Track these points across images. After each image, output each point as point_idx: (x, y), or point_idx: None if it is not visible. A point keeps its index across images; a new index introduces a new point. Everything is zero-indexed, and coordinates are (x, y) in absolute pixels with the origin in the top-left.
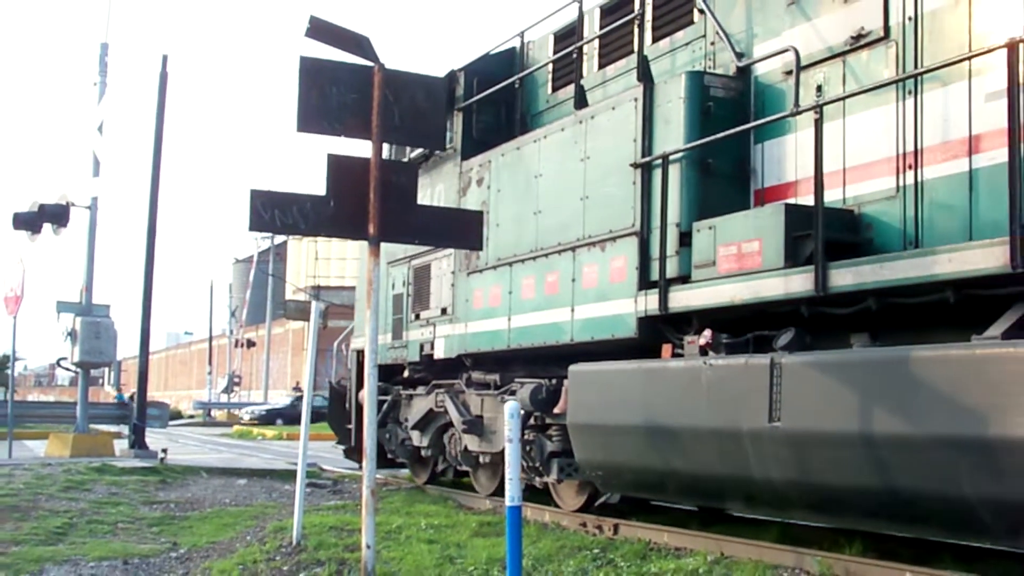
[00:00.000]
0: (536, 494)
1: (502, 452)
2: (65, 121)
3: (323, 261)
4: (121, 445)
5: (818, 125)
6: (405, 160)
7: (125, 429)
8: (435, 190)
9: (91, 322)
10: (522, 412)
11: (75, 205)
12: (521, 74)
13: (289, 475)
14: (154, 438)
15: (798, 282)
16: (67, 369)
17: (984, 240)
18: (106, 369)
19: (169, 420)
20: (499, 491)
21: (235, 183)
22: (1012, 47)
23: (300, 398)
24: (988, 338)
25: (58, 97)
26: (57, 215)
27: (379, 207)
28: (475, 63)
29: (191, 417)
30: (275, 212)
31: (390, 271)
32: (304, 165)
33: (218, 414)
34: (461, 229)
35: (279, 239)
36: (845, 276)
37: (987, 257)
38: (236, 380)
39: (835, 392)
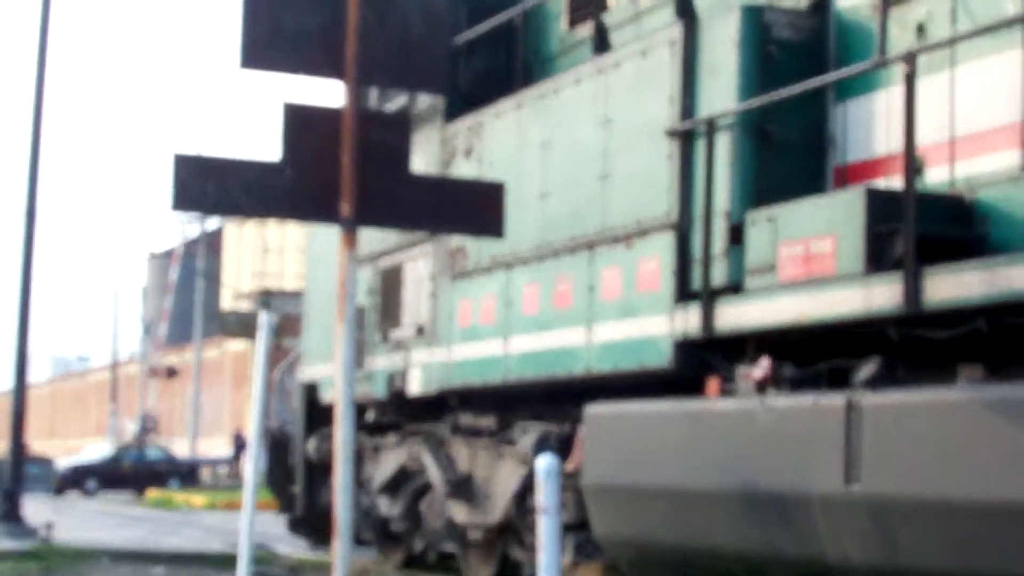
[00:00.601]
0: None
1: (500, 526)
2: None
3: (274, 254)
4: None
5: (909, 82)
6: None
7: None
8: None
9: None
10: (525, 469)
11: None
12: (527, 1)
13: (227, 561)
14: (35, 508)
15: (882, 294)
16: None
17: None
18: None
19: (59, 482)
20: None
21: (151, 148)
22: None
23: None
24: None
25: None
26: None
27: (356, 177)
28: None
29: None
30: (208, 185)
31: None
32: (255, 125)
33: None
34: (474, 207)
35: (212, 223)
36: (944, 287)
37: None
38: (150, 424)
39: (934, 443)
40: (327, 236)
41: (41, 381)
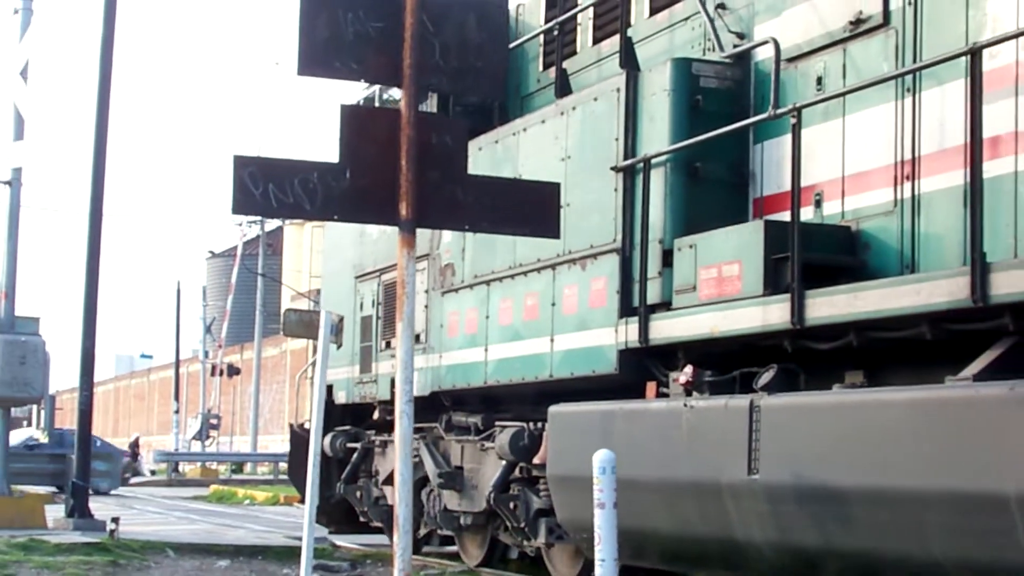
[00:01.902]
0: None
1: (486, 512)
2: None
3: None
4: (56, 512)
5: (795, 131)
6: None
7: (61, 490)
8: None
9: (13, 342)
10: (504, 462)
11: None
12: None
13: (290, 554)
14: (101, 503)
15: (775, 312)
16: None
17: (950, 269)
18: (34, 407)
19: (125, 477)
20: (489, 560)
21: (212, 151)
22: (974, 52)
23: None
24: (961, 379)
25: None
26: None
27: (415, 179)
28: None
29: (152, 473)
30: (269, 187)
31: (358, 288)
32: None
33: (188, 469)
34: (531, 209)
35: (272, 224)
36: (822, 307)
37: (953, 288)
38: (213, 422)
39: (813, 439)
40: (339, 244)
41: (106, 378)
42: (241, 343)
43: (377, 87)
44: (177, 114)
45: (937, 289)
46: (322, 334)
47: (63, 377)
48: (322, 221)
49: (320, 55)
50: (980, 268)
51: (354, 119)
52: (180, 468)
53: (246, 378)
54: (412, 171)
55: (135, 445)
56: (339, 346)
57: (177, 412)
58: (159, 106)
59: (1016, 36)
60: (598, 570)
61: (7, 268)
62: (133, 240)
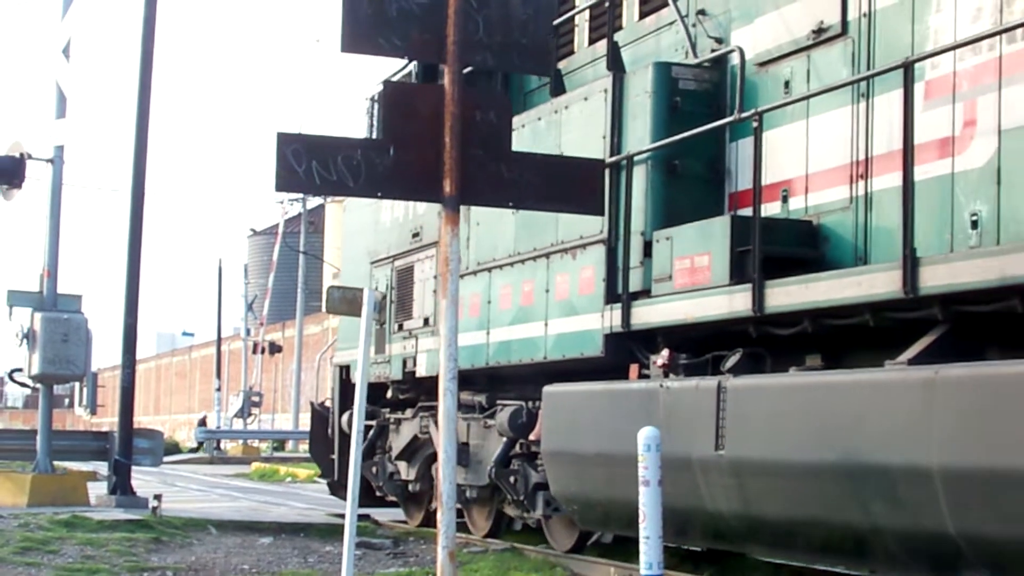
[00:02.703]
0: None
1: (490, 486)
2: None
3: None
4: (98, 489)
5: (757, 134)
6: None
7: (104, 467)
8: None
9: (56, 320)
10: (505, 439)
11: (32, 157)
12: None
13: (332, 532)
14: (143, 480)
15: (739, 301)
16: (22, 384)
17: (887, 263)
18: (76, 384)
19: (164, 455)
20: (495, 531)
21: (254, 129)
22: (907, 66)
23: None
24: (897, 363)
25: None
26: (7, 171)
27: (458, 156)
28: None
29: (192, 451)
30: (312, 164)
31: (373, 273)
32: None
33: (230, 447)
34: (574, 186)
35: (313, 202)
36: (779, 296)
37: (888, 281)
38: (255, 399)
39: (771, 418)
40: (356, 231)
41: (147, 356)
42: (283, 321)
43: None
44: (219, 91)
45: (876, 281)
46: (365, 311)
47: (105, 355)
48: (367, 198)
49: (363, 32)
50: (911, 263)
51: (398, 96)
52: (221, 445)
53: (288, 356)
54: (456, 148)
55: (203, 422)
56: (381, 324)
57: (219, 390)
58: (201, 83)
59: (948, 50)
60: (643, 547)
61: (49, 246)
62: (175, 218)
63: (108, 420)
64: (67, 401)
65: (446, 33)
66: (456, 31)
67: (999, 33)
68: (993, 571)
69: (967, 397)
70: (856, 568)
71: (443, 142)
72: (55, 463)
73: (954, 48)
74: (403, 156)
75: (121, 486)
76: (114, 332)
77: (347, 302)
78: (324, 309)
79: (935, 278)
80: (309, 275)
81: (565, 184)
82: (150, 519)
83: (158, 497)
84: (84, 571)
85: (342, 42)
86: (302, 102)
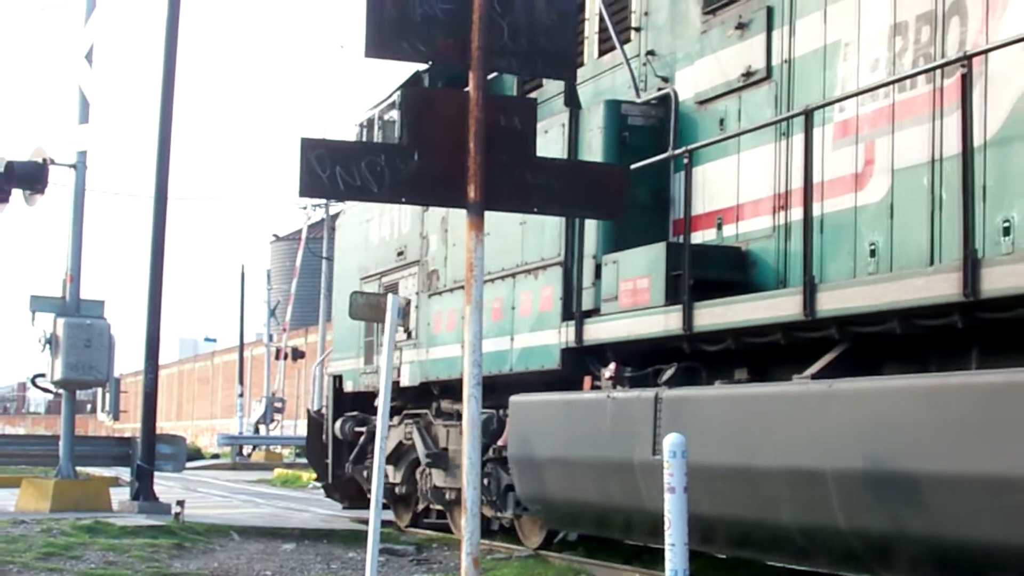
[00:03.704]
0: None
1: None
2: (40, 47)
3: None
4: (121, 495)
5: (687, 170)
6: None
7: (126, 473)
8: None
9: (79, 325)
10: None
11: (55, 163)
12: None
13: (355, 538)
14: (165, 486)
15: (672, 320)
16: (44, 390)
17: (792, 288)
18: (99, 390)
19: (186, 461)
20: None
21: (277, 134)
22: (808, 113)
23: None
24: (802, 378)
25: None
26: (30, 177)
27: (483, 161)
28: (435, 68)
29: (215, 457)
30: (336, 170)
31: (363, 288)
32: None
33: (253, 453)
34: (598, 192)
35: (336, 207)
36: (706, 316)
37: (792, 305)
38: (278, 405)
39: (698, 425)
40: (348, 248)
41: (170, 362)
42: (305, 326)
43: (378, 108)
44: (243, 97)
45: (782, 304)
46: (389, 317)
47: (128, 360)
48: (391, 203)
49: (387, 37)
50: (810, 289)
51: (421, 101)
52: (244, 451)
53: (310, 361)
54: (480, 153)
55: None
56: (406, 330)
57: (241, 396)
58: (224, 89)
59: (844, 99)
60: (668, 553)
61: (72, 251)
62: (198, 224)
63: (130, 426)
64: (89, 407)
65: (471, 38)
66: (481, 36)
67: (882, 86)
68: (877, 564)
69: (853, 408)
70: (770, 558)
71: (467, 147)
72: (78, 469)
73: (846, 98)
74: (427, 161)
75: (143, 492)
76: (137, 338)
77: (371, 307)
78: (348, 315)
79: (830, 302)
80: (332, 281)
81: (589, 189)
82: (172, 525)
83: (181, 503)
84: None
85: (366, 47)
86: (326, 108)
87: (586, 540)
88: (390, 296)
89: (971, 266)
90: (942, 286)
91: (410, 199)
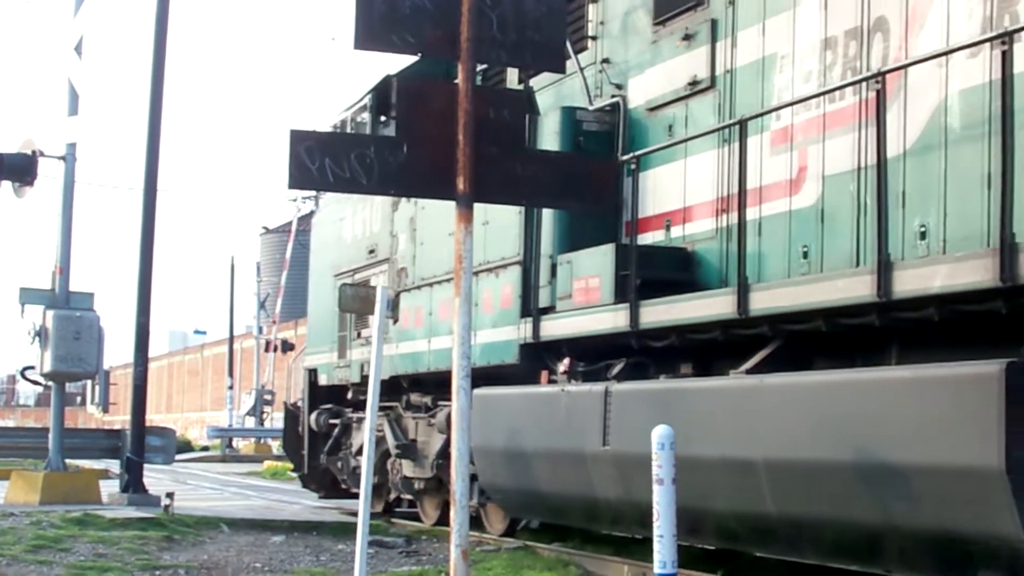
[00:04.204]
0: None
1: (435, 478)
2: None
3: None
4: (110, 487)
5: (634, 175)
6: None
7: (116, 465)
8: (372, 202)
9: (68, 317)
10: (444, 436)
11: (45, 155)
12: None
13: (344, 530)
14: (155, 478)
15: (621, 318)
16: (34, 382)
17: (727, 288)
18: (88, 382)
19: (176, 453)
20: (443, 520)
21: (266, 126)
22: (742, 123)
23: None
24: (738, 373)
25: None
26: (20, 169)
27: (472, 153)
28: (412, 67)
29: (204, 449)
30: (326, 162)
31: (337, 285)
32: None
33: (243, 445)
34: (586, 184)
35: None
36: (650, 314)
37: (726, 304)
38: (267, 398)
39: (643, 417)
40: (322, 246)
41: (159, 354)
42: (295, 319)
43: (351, 111)
44: (232, 89)
45: (718, 304)
46: (378, 309)
47: (117, 352)
48: (380, 196)
49: (377, 29)
50: (742, 289)
51: (410, 93)
52: (234, 444)
53: (300, 354)
54: (469, 146)
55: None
56: (395, 321)
57: (231, 388)
58: (213, 81)
59: (774, 110)
60: (656, 545)
61: (62, 243)
62: (187, 216)
63: (120, 418)
64: (79, 399)
65: (460, 30)
66: (470, 28)
67: (808, 99)
68: (803, 546)
69: (780, 401)
70: (707, 543)
71: (457, 139)
72: (67, 461)
73: (776, 109)
74: (416, 153)
75: (133, 484)
76: (126, 330)
77: (360, 300)
78: (337, 307)
79: (761, 302)
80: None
81: (578, 181)
82: (162, 517)
83: (170, 495)
84: (96, 569)
85: (355, 39)
86: (317, 100)
87: (580, 531)
88: (379, 288)
89: (884, 269)
90: (859, 288)
91: (399, 191)
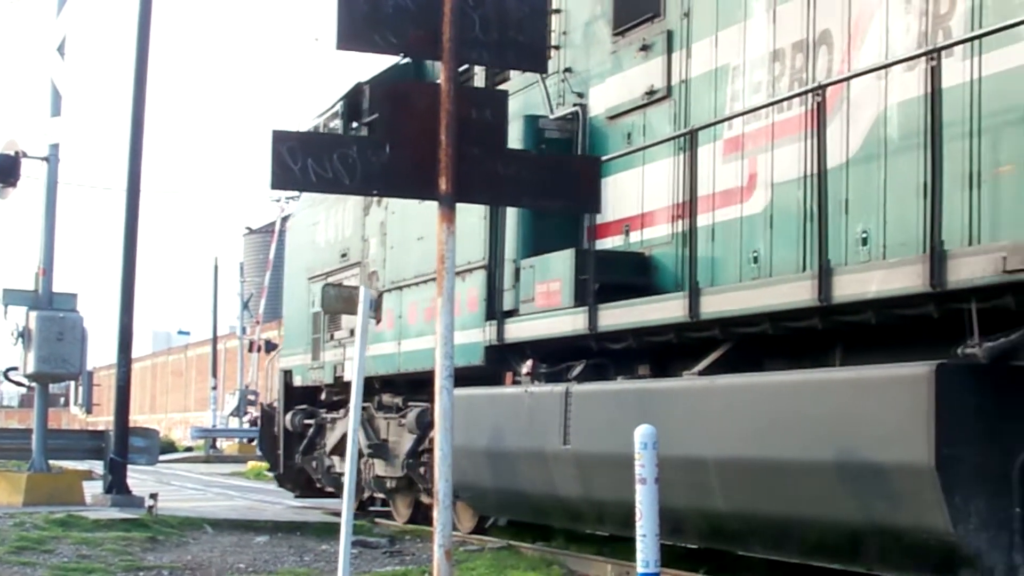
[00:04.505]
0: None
1: (406, 477)
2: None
3: None
4: (94, 488)
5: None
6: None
7: (99, 466)
8: (345, 207)
9: (51, 318)
10: (414, 436)
11: (27, 156)
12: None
13: (328, 530)
14: (139, 479)
15: (581, 321)
16: (17, 383)
17: (678, 292)
18: (71, 383)
19: (159, 454)
20: (415, 518)
21: (249, 126)
22: (692, 133)
23: None
24: (691, 374)
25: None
26: (2, 169)
27: (454, 153)
28: (382, 74)
29: (188, 450)
30: (308, 162)
31: (311, 288)
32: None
33: (226, 446)
34: (570, 183)
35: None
36: (608, 317)
37: (678, 307)
38: (251, 398)
39: (600, 417)
40: (296, 250)
41: (143, 355)
42: (278, 319)
43: (323, 118)
44: (215, 89)
45: (672, 307)
46: (361, 310)
47: (100, 353)
48: (363, 196)
49: (359, 29)
50: (693, 292)
51: (393, 94)
52: (218, 444)
53: None
54: (452, 146)
55: None
56: (378, 322)
57: (215, 388)
58: (196, 81)
59: (724, 120)
60: (639, 544)
61: (45, 244)
62: (170, 216)
63: (104, 419)
64: (63, 400)
65: (442, 30)
66: (452, 28)
67: (754, 110)
68: (751, 541)
69: (728, 401)
70: (672, 541)
71: (439, 140)
72: (51, 462)
73: (724, 120)
74: (399, 154)
75: (117, 485)
76: (110, 331)
77: (343, 300)
78: (320, 307)
79: (711, 306)
80: None
81: (561, 181)
82: (146, 518)
83: (154, 496)
84: (80, 570)
85: (337, 39)
86: (299, 100)
87: (564, 531)
88: (362, 288)
89: (824, 275)
90: (802, 292)
91: (382, 191)
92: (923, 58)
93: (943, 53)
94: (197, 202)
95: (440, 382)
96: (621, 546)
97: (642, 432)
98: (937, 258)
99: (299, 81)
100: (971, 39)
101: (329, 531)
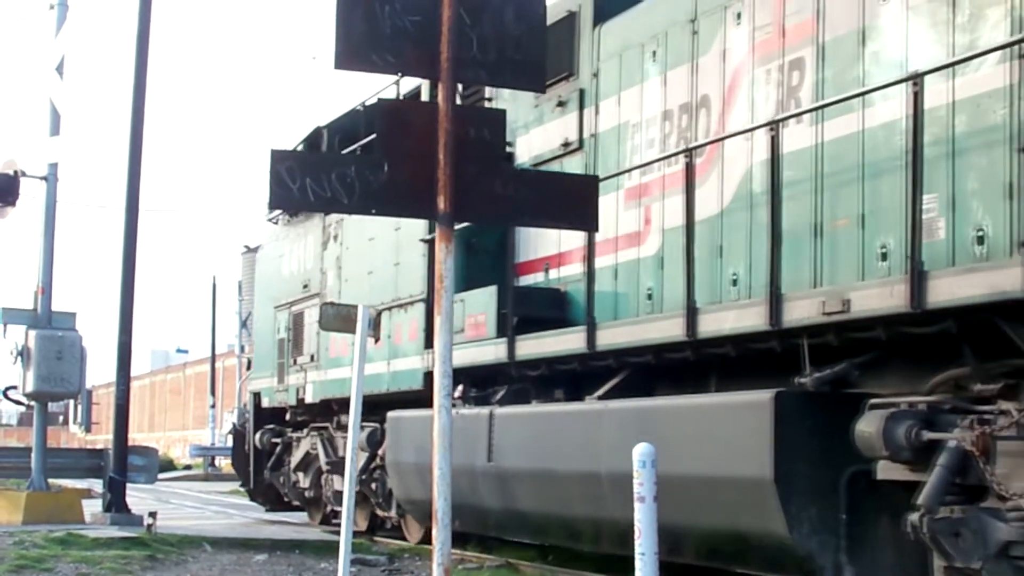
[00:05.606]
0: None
1: (361, 492)
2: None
3: None
4: (93, 507)
5: (510, 226)
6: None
7: (98, 485)
8: (306, 242)
9: (50, 337)
10: (366, 453)
11: (27, 175)
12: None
13: (327, 548)
14: (138, 497)
15: (501, 350)
16: (16, 402)
17: (580, 326)
18: (71, 402)
19: (158, 472)
20: (372, 527)
21: (247, 146)
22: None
23: None
24: (592, 398)
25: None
26: (2, 189)
27: (452, 172)
28: (340, 119)
29: (187, 468)
30: (307, 181)
31: (276, 316)
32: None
33: (225, 463)
34: (569, 202)
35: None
36: (524, 347)
37: (578, 340)
38: (248, 416)
39: (517, 437)
40: (263, 279)
41: (141, 373)
42: None
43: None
44: (213, 109)
45: (574, 340)
46: (359, 328)
47: (100, 372)
48: (362, 215)
49: (357, 49)
50: (591, 327)
51: (391, 113)
52: (216, 462)
53: None
54: (450, 165)
55: None
56: (376, 340)
57: (213, 406)
58: (195, 101)
59: (622, 173)
60: (638, 563)
61: (44, 263)
62: (169, 235)
63: (103, 437)
64: (61, 419)
65: (440, 50)
66: (450, 48)
67: (643, 166)
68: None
69: (616, 422)
70: (566, 544)
71: (437, 159)
72: (50, 481)
73: (622, 173)
74: (397, 173)
75: (116, 503)
76: (108, 349)
77: (341, 319)
78: (318, 326)
79: (605, 338)
80: None
81: (560, 200)
82: (145, 536)
83: (153, 514)
84: None
85: (336, 59)
86: (297, 120)
87: (557, 549)
88: (360, 307)
89: (690, 313)
90: (674, 328)
91: (380, 211)
92: (780, 124)
93: (793, 120)
94: (195, 221)
95: (439, 401)
96: (619, 564)
97: (641, 451)
98: (775, 301)
99: (297, 100)
100: (811, 110)
101: (328, 549)
